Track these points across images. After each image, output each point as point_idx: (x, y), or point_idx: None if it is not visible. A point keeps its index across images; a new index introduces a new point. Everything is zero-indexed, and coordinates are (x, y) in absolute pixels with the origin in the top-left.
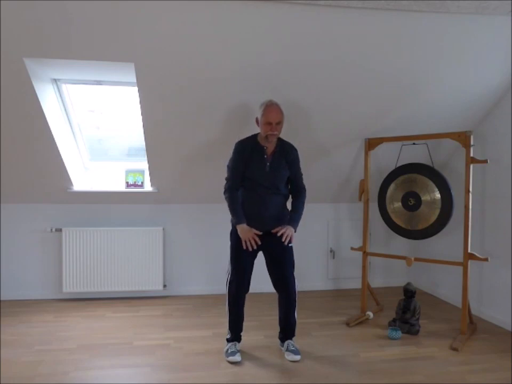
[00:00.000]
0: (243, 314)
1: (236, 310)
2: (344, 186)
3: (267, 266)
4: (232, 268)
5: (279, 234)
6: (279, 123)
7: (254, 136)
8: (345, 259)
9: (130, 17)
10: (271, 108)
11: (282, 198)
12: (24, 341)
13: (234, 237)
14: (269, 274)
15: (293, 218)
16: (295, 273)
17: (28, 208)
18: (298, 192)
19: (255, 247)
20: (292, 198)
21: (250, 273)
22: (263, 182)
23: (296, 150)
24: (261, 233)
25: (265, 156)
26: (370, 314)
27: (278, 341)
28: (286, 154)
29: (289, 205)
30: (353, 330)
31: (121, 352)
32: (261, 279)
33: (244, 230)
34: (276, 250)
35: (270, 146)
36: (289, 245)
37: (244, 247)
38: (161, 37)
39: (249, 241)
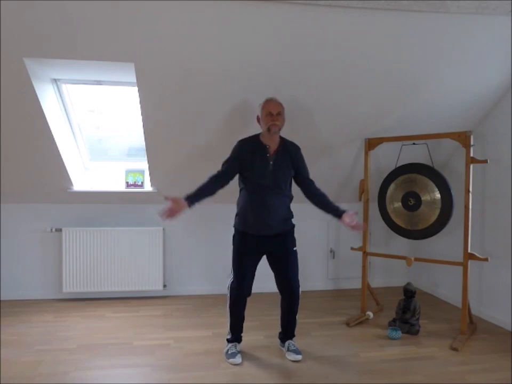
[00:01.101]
0: (244, 317)
1: (236, 313)
2: (344, 186)
3: (271, 269)
4: (234, 272)
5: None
6: (279, 114)
7: (256, 136)
8: (345, 259)
9: (130, 17)
10: (270, 101)
11: (287, 199)
12: (24, 341)
13: (237, 241)
14: (274, 276)
15: (334, 206)
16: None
17: (27, 208)
18: (310, 183)
19: (171, 216)
20: (307, 191)
21: (253, 277)
22: (266, 182)
23: (299, 149)
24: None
25: (268, 155)
26: (370, 314)
27: (278, 341)
28: (291, 154)
29: (293, 208)
30: (353, 330)
31: (121, 352)
32: (260, 279)
33: (177, 202)
34: (279, 254)
35: (272, 145)
36: (294, 248)
37: (165, 214)
38: (161, 37)
39: (171, 212)
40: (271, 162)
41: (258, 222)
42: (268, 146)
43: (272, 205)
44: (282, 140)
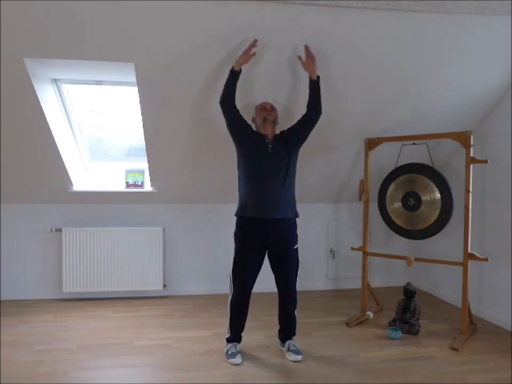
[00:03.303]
0: (246, 315)
1: (238, 311)
2: (344, 186)
3: (270, 264)
4: (237, 267)
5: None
6: (273, 109)
7: (255, 130)
8: (345, 259)
9: (130, 17)
10: (263, 102)
11: (288, 184)
12: (24, 341)
13: (239, 239)
14: (272, 272)
15: (310, 91)
16: (298, 273)
17: (28, 208)
18: (303, 115)
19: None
20: (307, 115)
21: (256, 274)
22: (266, 163)
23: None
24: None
25: (267, 140)
26: (370, 314)
27: (278, 341)
28: (283, 137)
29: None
30: (353, 330)
31: (121, 352)
32: (260, 279)
33: (242, 58)
34: (280, 248)
35: (270, 134)
36: (295, 246)
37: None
38: (161, 37)
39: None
40: (270, 146)
41: (259, 202)
42: (266, 134)
43: (272, 187)
44: (276, 134)
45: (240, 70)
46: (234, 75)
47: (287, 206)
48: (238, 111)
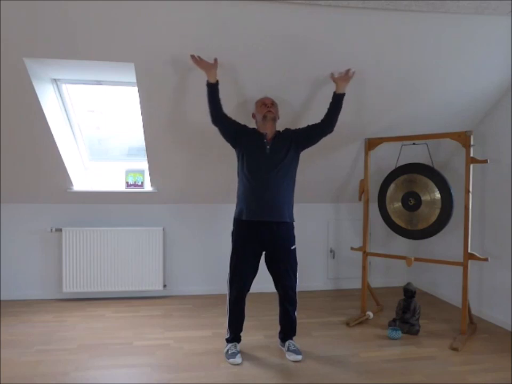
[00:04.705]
0: (244, 315)
1: (236, 311)
2: (344, 186)
3: (267, 265)
4: (233, 268)
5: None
6: (273, 104)
7: (253, 128)
8: (345, 259)
9: (130, 17)
10: (263, 97)
11: (285, 185)
12: (24, 341)
13: (236, 237)
14: (270, 273)
15: (332, 102)
16: (297, 273)
17: (28, 208)
18: (318, 124)
19: (197, 62)
20: (323, 126)
21: (253, 274)
22: (264, 164)
23: (289, 128)
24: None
25: (265, 140)
26: (370, 314)
27: (278, 341)
28: (288, 136)
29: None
30: (353, 330)
31: (121, 352)
32: (260, 279)
33: (213, 65)
34: (278, 247)
35: (269, 133)
36: (292, 247)
37: (198, 59)
38: (161, 37)
39: (201, 62)
40: (267, 147)
41: (256, 204)
42: (265, 134)
43: (269, 188)
44: (278, 131)
45: (217, 81)
46: (212, 88)
47: (284, 209)
48: (229, 120)
